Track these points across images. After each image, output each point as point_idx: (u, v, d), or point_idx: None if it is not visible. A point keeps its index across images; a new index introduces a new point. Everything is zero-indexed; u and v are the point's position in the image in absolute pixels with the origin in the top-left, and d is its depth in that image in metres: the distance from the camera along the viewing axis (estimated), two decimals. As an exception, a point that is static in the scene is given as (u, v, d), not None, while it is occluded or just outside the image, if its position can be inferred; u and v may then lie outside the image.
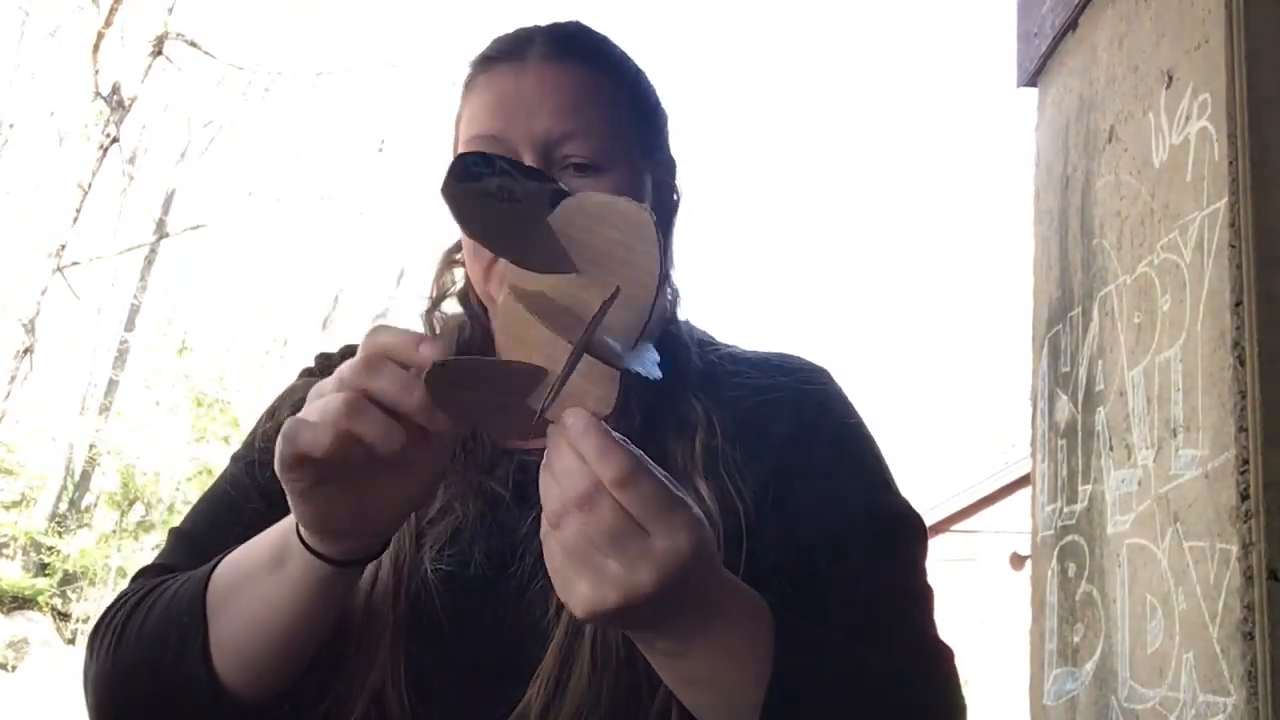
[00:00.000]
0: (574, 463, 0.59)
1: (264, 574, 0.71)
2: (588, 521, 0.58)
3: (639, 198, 0.86)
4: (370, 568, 0.78)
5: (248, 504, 0.84)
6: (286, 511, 0.68)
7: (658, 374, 0.60)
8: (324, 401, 0.62)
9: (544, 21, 0.91)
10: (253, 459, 0.87)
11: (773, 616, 0.69)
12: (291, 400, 0.88)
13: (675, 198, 0.95)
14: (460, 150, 0.86)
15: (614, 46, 0.92)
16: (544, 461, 0.61)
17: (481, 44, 0.91)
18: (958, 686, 0.78)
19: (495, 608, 0.78)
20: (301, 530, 0.68)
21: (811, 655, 0.69)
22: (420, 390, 0.60)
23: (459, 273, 0.95)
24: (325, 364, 0.93)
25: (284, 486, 0.64)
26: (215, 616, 0.72)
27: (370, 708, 0.75)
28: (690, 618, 0.63)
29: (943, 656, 0.78)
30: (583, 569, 0.59)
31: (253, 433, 0.90)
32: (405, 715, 0.75)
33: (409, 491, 0.68)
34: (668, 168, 0.94)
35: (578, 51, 0.88)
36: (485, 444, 0.85)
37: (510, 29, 0.91)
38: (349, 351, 0.88)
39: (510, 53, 0.88)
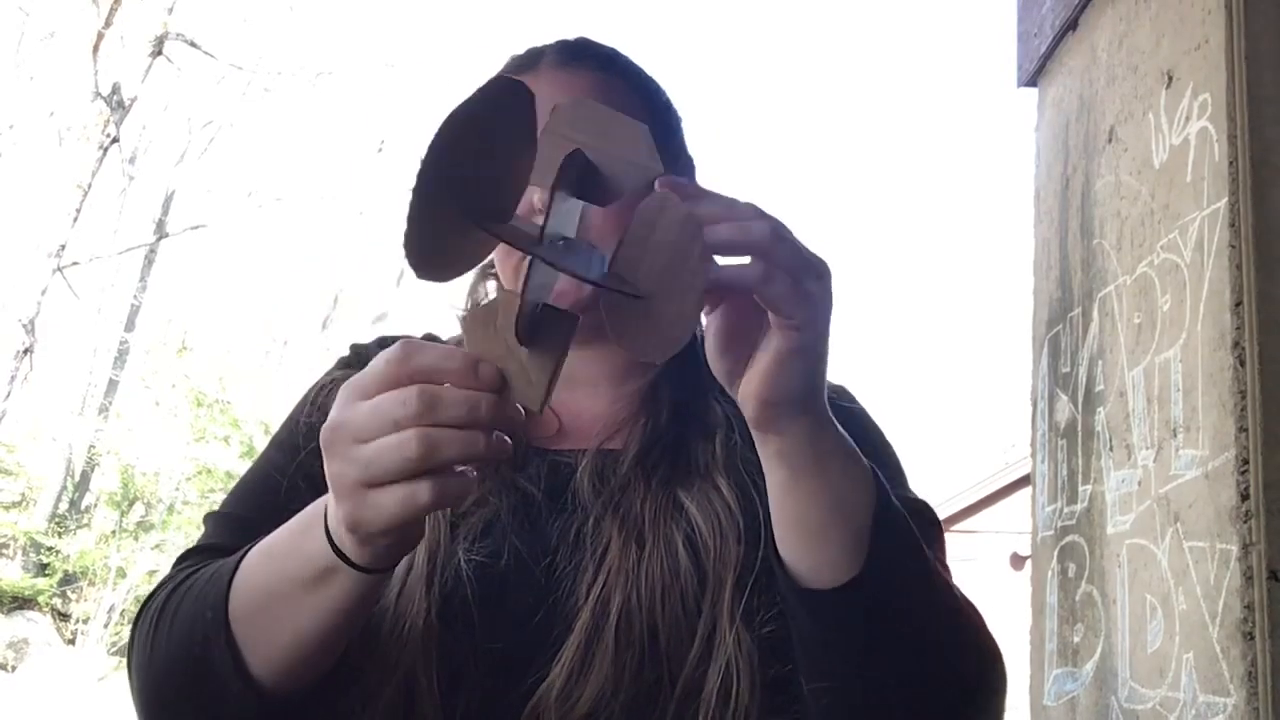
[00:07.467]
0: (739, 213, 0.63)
1: (303, 593, 0.68)
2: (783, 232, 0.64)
3: None
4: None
5: (294, 490, 0.83)
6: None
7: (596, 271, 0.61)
8: (392, 457, 0.58)
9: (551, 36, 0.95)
10: (297, 444, 0.86)
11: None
12: (332, 390, 0.88)
13: None
14: None
15: (623, 56, 0.94)
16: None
17: (479, 45, 0.93)
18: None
19: (525, 597, 0.78)
20: (346, 549, 0.65)
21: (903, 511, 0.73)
22: (490, 408, 0.58)
23: (491, 285, 0.96)
24: (360, 355, 0.93)
25: (359, 542, 0.63)
26: (246, 624, 0.71)
27: (401, 689, 0.76)
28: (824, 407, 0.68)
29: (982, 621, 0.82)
30: (805, 270, 0.63)
31: (293, 419, 0.90)
32: (435, 698, 0.75)
33: (460, 503, 0.68)
34: (685, 168, 0.95)
35: (587, 59, 0.91)
36: (518, 441, 0.85)
37: (519, 42, 0.94)
38: (386, 342, 0.88)
39: (522, 66, 0.91)
